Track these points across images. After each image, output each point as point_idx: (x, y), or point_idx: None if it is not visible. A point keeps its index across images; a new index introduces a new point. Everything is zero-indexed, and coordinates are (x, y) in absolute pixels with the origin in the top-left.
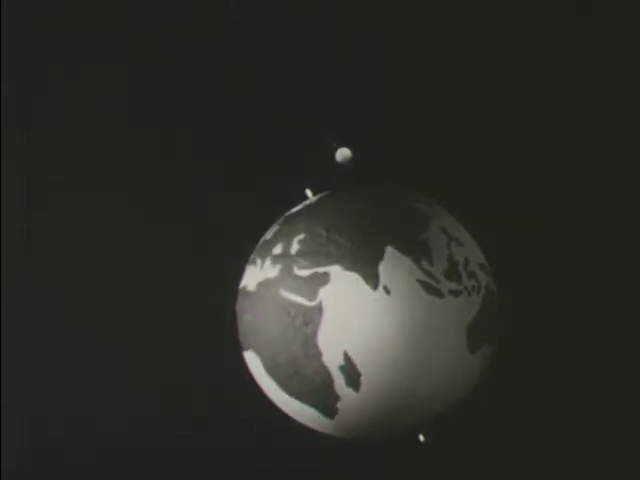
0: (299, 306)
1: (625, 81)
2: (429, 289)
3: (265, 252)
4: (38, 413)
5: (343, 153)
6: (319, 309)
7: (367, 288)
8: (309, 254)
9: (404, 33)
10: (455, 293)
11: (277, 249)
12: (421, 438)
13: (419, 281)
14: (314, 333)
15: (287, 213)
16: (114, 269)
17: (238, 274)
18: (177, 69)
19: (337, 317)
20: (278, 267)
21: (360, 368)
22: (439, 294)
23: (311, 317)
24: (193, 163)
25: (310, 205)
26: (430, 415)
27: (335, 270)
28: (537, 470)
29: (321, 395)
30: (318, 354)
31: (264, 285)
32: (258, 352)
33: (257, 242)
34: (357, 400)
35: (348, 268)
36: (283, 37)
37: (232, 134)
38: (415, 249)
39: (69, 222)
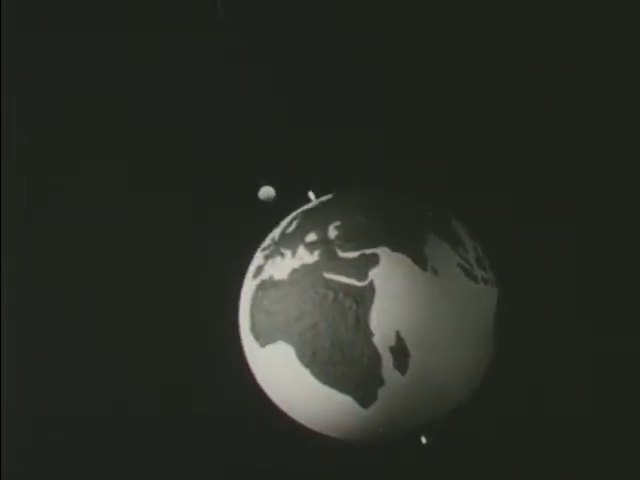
0: (348, 287)
1: (625, 81)
2: (467, 273)
3: (293, 242)
4: (38, 413)
5: (266, 191)
6: (371, 289)
7: (417, 268)
8: (352, 237)
9: (404, 34)
10: (485, 281)
11: (310, 237)
12: (423, 440)
13: (459, 265)
14: (365, 313)
15: (301, 209)
16: (114, 269)
17: (238, 274)
18: (177, 69)
19: (389, 297)
20: (317, 253)
21: (410, 349)
22: (475, 279)
23: (363, 297)
24: (193, 163)
25: (328, 201)
26: (454, 405)
27: (384, 251)
28: (537, 470)
29: (364, 380)
30: (369, 334)
31: (301, 272)
32: (292, 342)
33: (257, 242)
34: (401, 384)
35: (396, 250)
36: (283, 37)
37: (232, 134)
38: (449, 237)
39: (69, 222)
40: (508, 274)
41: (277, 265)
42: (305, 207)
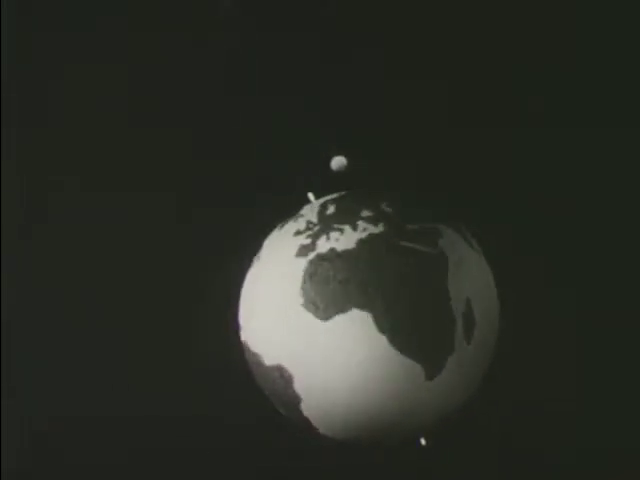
0: (423, 253)
1: (624, 81)
2: (479, 254)
3: (345, 220)
4: (38, 413)
5: (339, 161)
6: (444, 257)
7: (466, 245)
8: (411, 213)
9: (404, 35)
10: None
11: (365, 213)
12: (422, 441)
13: (473, 248)
14: (442, 279)
15: (326, 198)
16: (114, 269)
17: (238, 274)
18: (177, 69)
19: (459, 266)
20: (381, 225)
21: (476, 317)
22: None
23: (438, 264)
24: (193, 164)
25: (345, 195)
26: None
27: (441, 227)
28: (537, 470)
29: (436, 347)
30: (447, 299)
31: (370, 241)
32: (370, 309)
33: (257, 242)
34: (466, 354)
35: (449, 226)
36: (283, 38)
37: (232, 135)
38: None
39: (69, 222)
40: (508, 274)
41: (336, 239)
42: (328, 197)
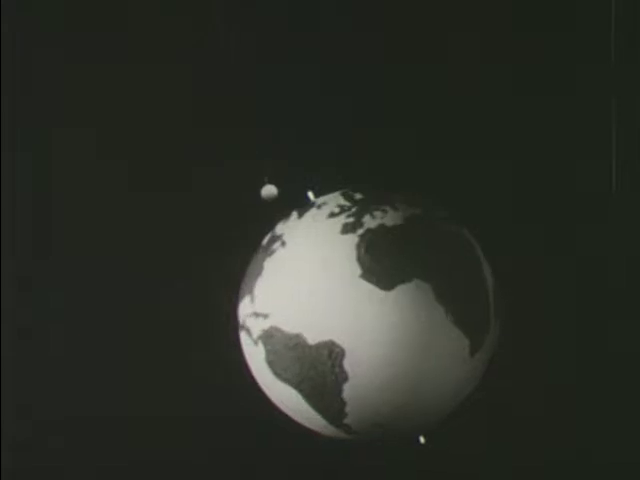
0: (462, 235)
1: (626, 81)
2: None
3: (380, 203)
4: (38, 412)
5: (269, 190)
6: (473, 243)
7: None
8: (429, 202)
9: (404, 32)
10: None
11: (398, 200)
12: (422, 440)
13: None
14: (480, 263)
15: (344, 191)
16: (114, 269)
17: (238, 274)
18: (177, 68)
19: (481, 255)
20: (417, 208)
21: (497, 308)
22: None
23: (473, 249)
24: (193, 164)
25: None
26: None
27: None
28: (537, 470)
29: (480, 323)
30: (484, 282)
31: (418, 217)
32: (428, 279)
33: (257, 242)
34: (494, 334)
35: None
36: (283, 37)
37: (233, 135)
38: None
39: (69, 222)
40: (507, 274)
41: (381, 217)
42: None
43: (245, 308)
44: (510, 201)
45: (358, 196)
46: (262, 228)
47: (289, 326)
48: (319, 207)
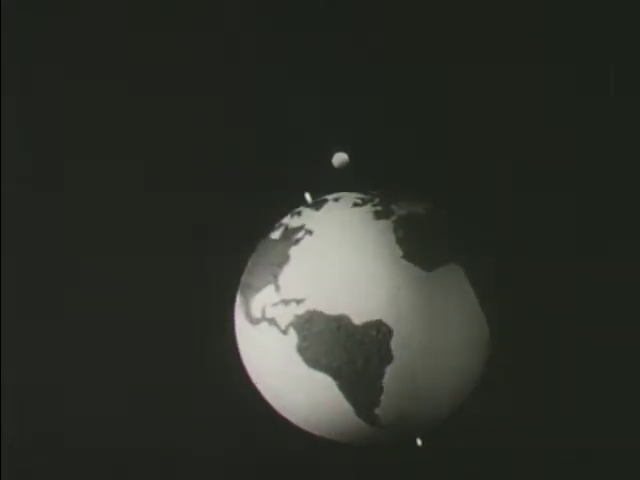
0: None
1: (625, 80)
2: None
3: (394, 200)
4: (38, 412)
5: (340, 157)
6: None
7: None
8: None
9: (404, 32)
10: None
11: (410, 196)
12: (419, 442)
13: None
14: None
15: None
16: (114, 269)
17: (238, 274)
18: (177, 68)
19: None
20: (430, 203)
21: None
22: None
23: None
24: (193, 164)
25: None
26: None
27: None
28: (537, 470)
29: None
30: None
31: (435, 210)
32: (464, 264)
33: (257, 242)
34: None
35: None
36: (283, 37)
37: (232, 136)
38: None
39: (70, 222)
40: (507, 274)
41: (405, 207)
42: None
43: (265, 299)
44: (510, 201)
45: (368, 194)
46: (260, 228)
47: (330, 309)
48: (336, 200)
